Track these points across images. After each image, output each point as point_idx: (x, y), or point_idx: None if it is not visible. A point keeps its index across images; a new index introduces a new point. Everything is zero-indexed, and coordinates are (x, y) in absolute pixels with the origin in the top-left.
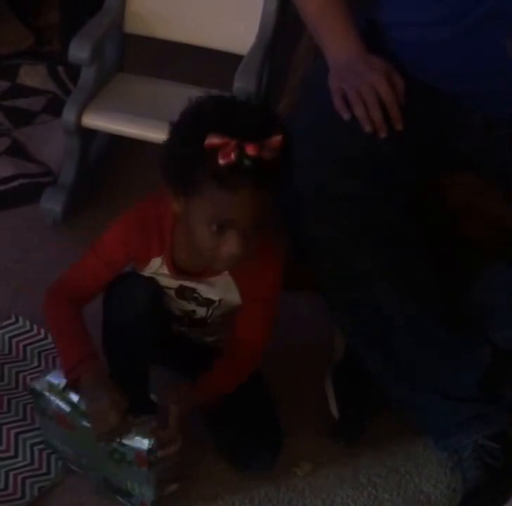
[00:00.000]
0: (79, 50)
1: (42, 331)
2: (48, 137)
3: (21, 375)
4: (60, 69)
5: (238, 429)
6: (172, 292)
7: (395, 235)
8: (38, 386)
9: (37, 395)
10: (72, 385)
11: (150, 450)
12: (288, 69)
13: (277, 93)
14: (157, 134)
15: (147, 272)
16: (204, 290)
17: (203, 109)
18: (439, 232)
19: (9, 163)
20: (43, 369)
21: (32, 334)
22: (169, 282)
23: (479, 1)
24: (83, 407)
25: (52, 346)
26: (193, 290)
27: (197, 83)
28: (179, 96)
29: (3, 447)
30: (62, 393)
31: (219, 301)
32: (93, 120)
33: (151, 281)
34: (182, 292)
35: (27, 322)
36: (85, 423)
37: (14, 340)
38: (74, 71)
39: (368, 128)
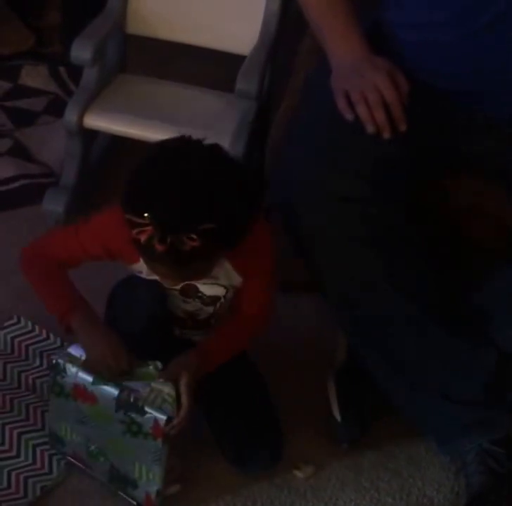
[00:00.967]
0: (81, 51)
1: (44, 331)
2: (49, 137)
3: (23, 375)
4: (62, 69)
5: (239, 430)
6: (177, 293)
7: (396, 235)
8: (60, 359)
9: (58, 369)
10: (66, 333)
11: (169, 418)
12: (290, 70)
13: (279, 95)
14: (158, 135)
15: (138, 270)
16: (207, 289)
17: (147, 171)
18: (440, 233)
19: (11, 163)
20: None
21: (33, 335)
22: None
23: (484, 8)
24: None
25: (54, 346)
26: (196, 288)
27: (199, 83)
28: (181, 97)
29: (6, 447)
30: (84, 365)
31: (224, 296)
32: (94, 121)
33: (155, 284)
34: (187, 291)
35: (29, 323)
36: (109, 388)
37: (16, 340)
38: (75, 71)
39: (371, 129)
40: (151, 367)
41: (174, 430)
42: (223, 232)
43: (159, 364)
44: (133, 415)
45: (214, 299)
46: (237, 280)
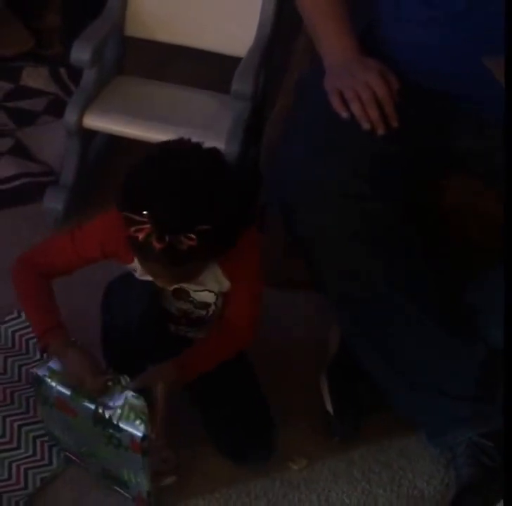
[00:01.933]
0: (80, 53)
1: None
2: (50, 137)
3: (24, 368)
4: (62, 70)
5: (233, 423)
6: (169, 293)
7: (395, 234)
8: (40, 372)
9: (39, 382)
10: (42, 352)
11: (144, 437)
12: (285, 69)
13: (273, 93)
14: (156, 135)
15: (132, 269)
16: (199, 294)
17: (146, 170)
18: (440, 232)
19: (12, 162)
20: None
21: None
22: None
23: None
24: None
25: None
26: (188, 294)
27: (195, 85)
28: (178, 98)
29: (7, 439)
30: (63, 379)
31: (215, 303)
32: (93, 121)
33: (148, 283)
34: (179, 295)
35: None
36: (86, 403)
37: (17, 334)
38: (75, 73)
39: (365, 126)
40: (123, 382)
41: (154, 438)
42: (220, 233)
43: (127, 379)
44: (111, 431)
45: (204, 305)
46: (226, 285)
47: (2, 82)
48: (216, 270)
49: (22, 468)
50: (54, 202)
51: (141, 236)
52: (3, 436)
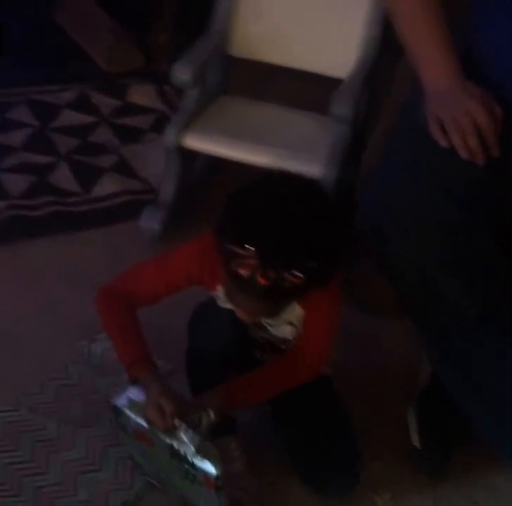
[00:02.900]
0: (182, 73)
1: None
2: (153, 155)
3: (112, 389)
4: (168, 88)
5: (316, 452)
6: (252, 323)
7: (486, 263)
8: (118, 402)
9: (118, 412)
10: (132, 381)
11: (217, 477)
12: (386, 94)
13: (374, 118)
14: (257, 158)
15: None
16: (276, 329)
17: (252, 203)
18: None
19: (115, 179)
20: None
21: None
22: None
23: None
24: None
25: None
26: (265, 329)
27: (296, 105)
28: (277, 118)
29: (90, 460)
30: (141, 410)
31: (294, 338)
32: (193, 141)
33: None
34: (259, 325)
35: None
36: (162, 437)
37: (107, 352)
38: (182, 91)
39: (464, 155)
40: (203, 418)
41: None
42: (324, 270)
43: (209, 412)
44: (187, 466)
45: (283, 340)
46: (300, 313)
47: (109, 99)
48: (294, 305)
49: (103, 490)
50: (151, 221)
51: (244, 271)
52: (86, 457)
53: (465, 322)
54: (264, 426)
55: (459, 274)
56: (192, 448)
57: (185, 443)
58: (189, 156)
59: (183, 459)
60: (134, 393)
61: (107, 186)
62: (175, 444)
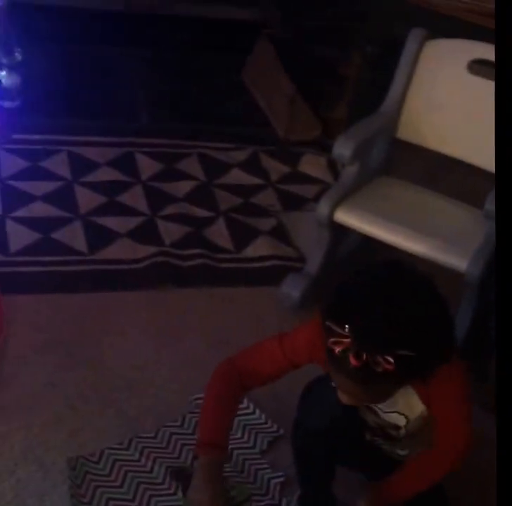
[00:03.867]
0: (342, 149)
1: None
2: (309, 224)
3: (169, 470)
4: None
5: None
6: (364, 406)
7: None
8: None
9: None
10: (193, 457)
11: None
12: None
13: None
14: (407, 243)
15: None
16: (388, 415)
17: (358, 285)
18: None
19: (268, 243)
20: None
21: (255, 417)
22: None
23: None
24: None
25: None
26: (376, 413)
27: (462, 199)
28: (433, 207)
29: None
30: (185, 501)
31: (405, 426)
32: (344, 216)
33: None
34: (369, 408)
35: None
36: None
37: (174, 437)
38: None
39: None
40: None
41: None
42: (419, 361)
43: None
44: None
45: (394, 426)
46: (419, 410)
47: (281, 165)
48: (409, 394)
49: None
50: (292, 288)
51: (338, 349)
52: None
53: None
54: None
55: None
56: None
57: None
58: (340, 231)
59: None
60: None
61: (259, 248)
62: None
